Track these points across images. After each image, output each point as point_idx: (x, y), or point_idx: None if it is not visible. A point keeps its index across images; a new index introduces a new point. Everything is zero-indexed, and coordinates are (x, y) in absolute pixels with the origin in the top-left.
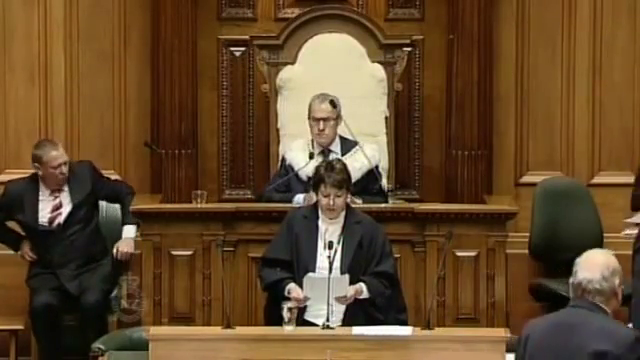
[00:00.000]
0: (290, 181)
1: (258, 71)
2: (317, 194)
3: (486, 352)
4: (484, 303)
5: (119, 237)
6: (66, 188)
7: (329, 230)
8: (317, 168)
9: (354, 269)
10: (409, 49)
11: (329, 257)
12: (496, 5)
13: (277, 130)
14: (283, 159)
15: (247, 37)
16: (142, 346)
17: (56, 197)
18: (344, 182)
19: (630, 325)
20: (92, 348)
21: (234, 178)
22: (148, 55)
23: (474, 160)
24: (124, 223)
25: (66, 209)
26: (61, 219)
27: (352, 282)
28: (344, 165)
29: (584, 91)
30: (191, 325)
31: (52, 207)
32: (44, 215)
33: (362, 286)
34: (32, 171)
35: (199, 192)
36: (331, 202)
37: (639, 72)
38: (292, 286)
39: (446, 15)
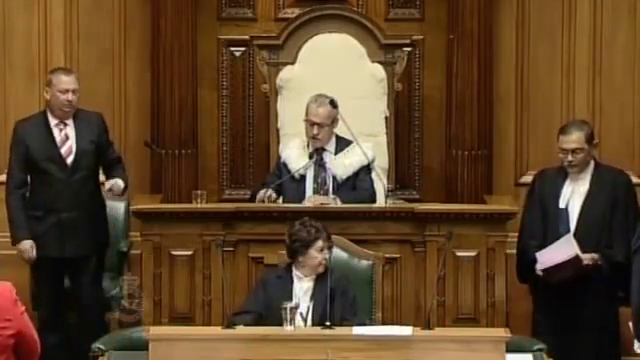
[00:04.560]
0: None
1: (258, 71)
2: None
3: (486, 352)
4: (484, 303)
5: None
6: (71, 124)
7: (303, 288)
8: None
9: (326, 319)
10: (409, 49)
11: (302, 314)
12: (496, 5)
13: (277, 130)
14: (279, 157)
15: (247, 37)
16: (142, 346)
17: (61, 130)
18: None
19: (630, 324)
20: (92, 348)
21: (234, 178)
22: (148, 55)
23: (474, 160)
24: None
25: (72, 146)
26: (71, 158)
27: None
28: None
29: (584, 91)
30: (191, 325)
31: (60, 139)
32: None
33: None
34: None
35: (199, 192)
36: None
37: (639, 72)
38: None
39: (446, 15)
